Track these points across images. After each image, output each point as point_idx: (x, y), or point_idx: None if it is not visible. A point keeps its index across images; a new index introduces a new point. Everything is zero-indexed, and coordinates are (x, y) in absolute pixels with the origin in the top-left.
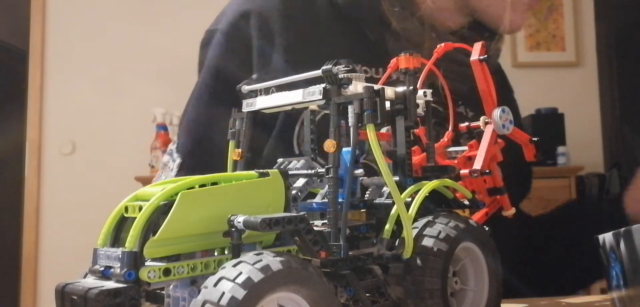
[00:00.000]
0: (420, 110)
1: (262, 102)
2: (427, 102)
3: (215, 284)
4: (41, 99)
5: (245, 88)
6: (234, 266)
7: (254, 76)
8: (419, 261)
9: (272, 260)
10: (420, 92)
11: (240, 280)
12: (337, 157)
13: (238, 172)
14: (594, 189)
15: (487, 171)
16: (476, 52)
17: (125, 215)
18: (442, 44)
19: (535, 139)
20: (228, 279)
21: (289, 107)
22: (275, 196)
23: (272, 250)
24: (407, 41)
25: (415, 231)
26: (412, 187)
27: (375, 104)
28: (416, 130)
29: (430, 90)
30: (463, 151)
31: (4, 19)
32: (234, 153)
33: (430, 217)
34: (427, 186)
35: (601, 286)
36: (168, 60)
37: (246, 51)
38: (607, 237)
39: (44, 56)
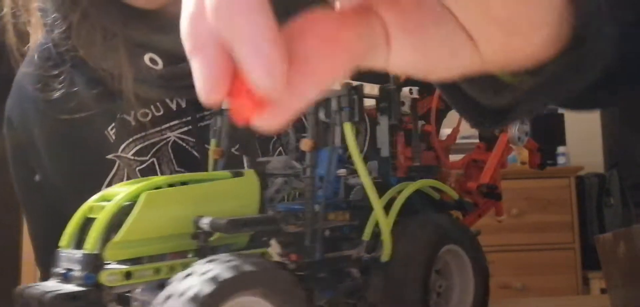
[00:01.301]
0: (406, 108)
1: None
2: (413, 100)
3: (185, 277)
4: None
5: None
6: (205, 263)
7: (37, 177)
8: (399, 263)
9: (244, 261)
10: (406, 90)
11: (207, 276)
12: (314, 157)
13: (211, 172)
14: (594, 189)
15: (495, 186)
16: None
17: (89, 215)
18: None
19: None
20: (196, 274)
21: None
22: (250, 197)
23: (245, 252)
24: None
25: (398, 231)
26: (395, 187)
27: (353, 101)
28: (426, 127)
29: (417, 88)
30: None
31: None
32: (214, 152)
33: (413, 218)
34: (409, 188)
35: (601, 286)
36: None
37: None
38: (607, 237)
39: None
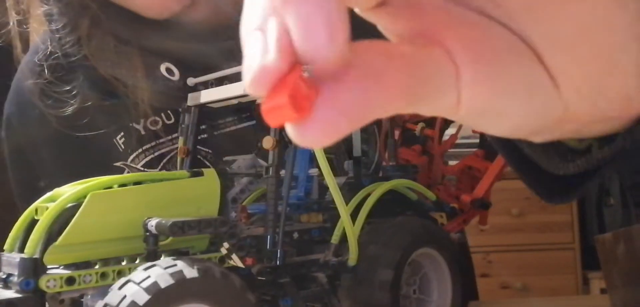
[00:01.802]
0: None
1: (207, 96)
2: None
3: (121, 287)
4: None
5: (191, 81)
6: (145, 269)
7: (42, 183)
8: (367, 268)
9: (187, 267)
10: None
11: (145, 284)
12: (277, 156)
13: (169, 172)
14: (594, 189)
15: (488, 203)
16: None
17: (36, 217)
18: None
19: None
20: (134, 282)
21: (236, 101)
22: (209, 198)
23: (197, 256)
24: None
25: (367, 235)
26: (367, 187)
27: None
28: (427, 131)
29: None
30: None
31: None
32: (180, 150)
33: (385, 220)
34: (380, 188)
35: (601, 286)
36: None
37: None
38: (607, 237)
39: None
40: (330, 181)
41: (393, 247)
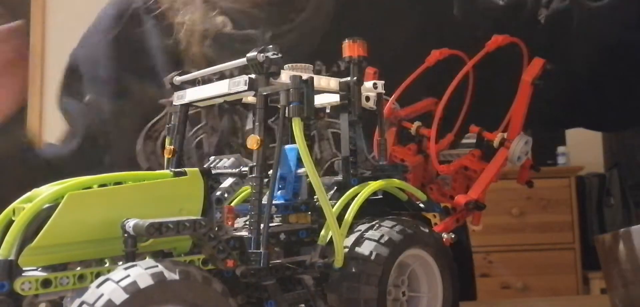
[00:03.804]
0: (372, 104)
1: (191, 95)
2: (378, 95)
3: (99, 285)
4: (41, 100)
5: (178, 79)
6: (125, 268)
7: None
8: (354, 269)
9: (169, 268)
10: (370, 84)
11: (124, 283)
12: (261, 155)
13: (152, 172)
14: (594, 189)
15: (483, 204)
16: (532, 71)
17: (13, 218)
18: (498, 36)
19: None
20: (113, 281)
21: (220, 100)
22: (192, 198)
23: (178, 259)
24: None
25: (354, 236)
26: (356, 187)
27: (302, 95)
28: (423, 130)
29: (382, 82)
30: (457, 156)
31: (4, 18)
32: (167, 151)
33: (372, 222)
34: (368, 188)
35: (601, 286)
36: None
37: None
38: (607, 237)
39: (44, 56)
40: (315, 180)
41: (382, 245)
